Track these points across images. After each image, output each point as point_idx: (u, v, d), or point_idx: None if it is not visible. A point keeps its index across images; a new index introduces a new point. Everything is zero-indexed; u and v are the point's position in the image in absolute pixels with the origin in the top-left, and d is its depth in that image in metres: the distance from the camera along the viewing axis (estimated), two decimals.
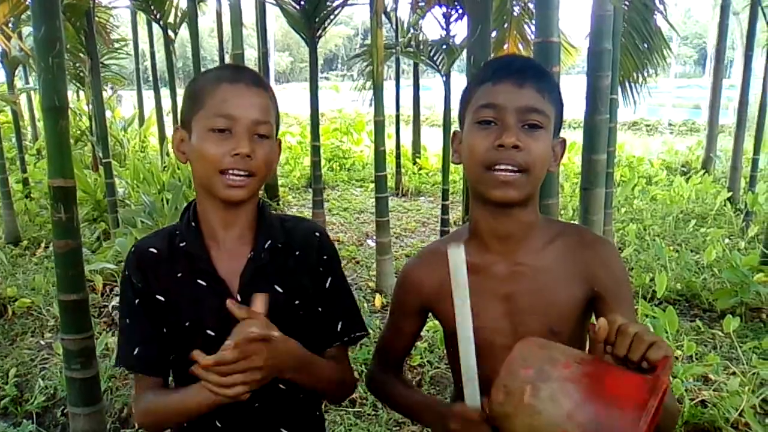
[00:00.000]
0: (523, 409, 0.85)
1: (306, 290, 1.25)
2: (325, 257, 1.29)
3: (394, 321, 1.34)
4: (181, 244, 1.23)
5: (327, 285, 1.29)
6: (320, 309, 1.28)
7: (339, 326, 1.29)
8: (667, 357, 0.83)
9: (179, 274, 1.21)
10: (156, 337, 1.22)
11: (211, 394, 1.03)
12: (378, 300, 4.65)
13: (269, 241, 1.23)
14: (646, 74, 6.37)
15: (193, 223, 1.23)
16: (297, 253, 1.26)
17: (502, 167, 1.08)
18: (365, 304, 4.53)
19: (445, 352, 1.41)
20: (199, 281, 1.20)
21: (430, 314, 1.31)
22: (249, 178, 1.15)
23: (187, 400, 1.13)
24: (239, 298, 1.18)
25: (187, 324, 1.18)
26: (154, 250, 1.23)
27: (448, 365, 3.74)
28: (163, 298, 1.21)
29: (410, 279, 1.28)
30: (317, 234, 1.29)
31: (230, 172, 1.13)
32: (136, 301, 1.22)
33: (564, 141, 1.20)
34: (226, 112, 1.13)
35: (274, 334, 1.05)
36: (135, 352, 1.21)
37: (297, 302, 1.23)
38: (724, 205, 7.30)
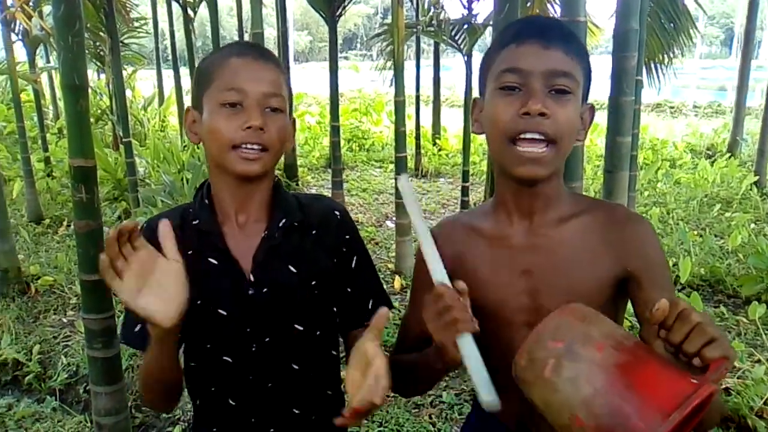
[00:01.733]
0: (542, 381, 0.81)
1: (324, 270, 1.22)
2: (347, 236, 1.26)
3: (413, 295, 1.28)
4: (194, 222, 1.21)
5: (353, 265, 1.26)
6: (349, 289, 1.26)
7: (370, 304, 1.27)
8: (725, 359, 0.74)
9: (190, 252, 1.18)
10: None
11: (152, 329, 1.02)
12: (397, 282, 4.64)
13: (284, 220, 1.20)
14: (671, 55, 6.25)
15: (206, 201, 1.21)
16: (314, 232, 1.23)
17: (528, 137, 1.01)
18: (384, 286, 4.51)
19: None
20: (210, 260, 1.18)
21: None
22: (263, 152, 1.12)
23: (149, 349, 1.11)
24: (252, 278, 1.16)
25: (198, 303, 1.14)
26: None
27: None
28: None
29: None
30: (337, 213, 1.27)
31: (243, 146, 1.11)
32: None
33: (592, 107, 1.11)
34: (236, 85, 1.11)
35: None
36: (136, 329, 1.19)
37: (314, 282, 1.21)
38: (750, 189, 7.16)
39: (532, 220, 1.12)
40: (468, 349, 0.98)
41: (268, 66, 1.15)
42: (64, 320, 4.13)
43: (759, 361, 3.20)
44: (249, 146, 1.11)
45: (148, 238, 1.21)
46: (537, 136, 1.01)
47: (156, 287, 0.99)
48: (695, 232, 5.64)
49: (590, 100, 1.12)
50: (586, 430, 0.77)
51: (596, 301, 1.06)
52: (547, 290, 1.09)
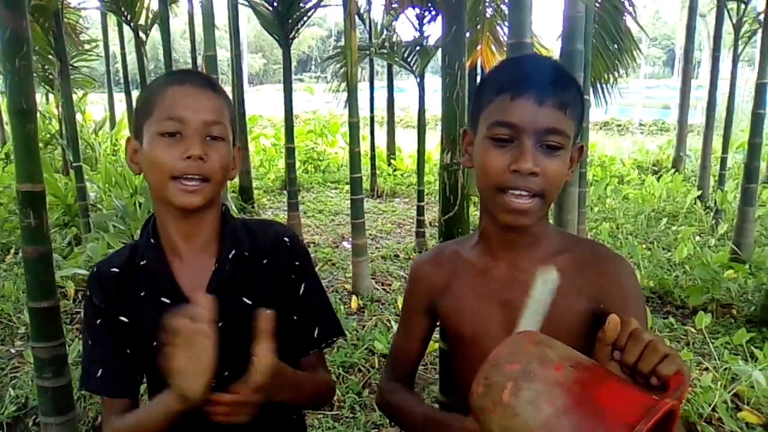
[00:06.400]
0: (500, 407, 0.77)
1: (276, 298, 1.20)
2: (297, 263, 1.25)
3: (403, 321, 1.30)
4: (142, 263, 1.18)
5: (301, 291, 1.25)
6: (295, 317, 1.24)
7: (316, 332, 1.26)
8: (680, 374, 0.74)
9: (142, 293, 1.17)
10: (119, 357, 1.17)
11: (176, 402, 1.01)
12: (354, 302, 4.63)
13: (234, 251, 1.19)
14: (616, 75, 6.46)
15: (152, 240, 1.19)
16: (264, 261, 1.22)
17: (516, 192, 1.03)
18: (342, 307, 4.51)
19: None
20: (162, 299, 1.15)
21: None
22: (203, 183, 1.10)
23: (152, 412, 1.09)
24: None
25: (154, 344, 1.11)
26: (116, 270, 1.19)
27: (424, 367, 3.70)
28: (126, 319, 1.17)
29: (418, 273, 1.26)
30: (286, 239, 1.25)
31: (184, 177, 1.08)
32: (98, 321, 1.18)
33: (582, 147, 1.12)
34: (175, 114, 1.08)
35: (285, 371, 1.08)
36: (98, 374, 1.17)
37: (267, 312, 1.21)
38: (695, 204, 7.43)
39: (515, 255, 1.14)
40: None
41: (209, 93, 1.12)
42: (12, 351, 3.98)
43: (707, 369, 3.31)
44: (189, 176, 1.09)
45: (97, 284, 1.18)
46: (525, 192, 1.03)
47: (195, 360, 0.97)
48: (644, 246, 5.81)
49: None
50: None
51: (572, 336, 1.06)
52: None
